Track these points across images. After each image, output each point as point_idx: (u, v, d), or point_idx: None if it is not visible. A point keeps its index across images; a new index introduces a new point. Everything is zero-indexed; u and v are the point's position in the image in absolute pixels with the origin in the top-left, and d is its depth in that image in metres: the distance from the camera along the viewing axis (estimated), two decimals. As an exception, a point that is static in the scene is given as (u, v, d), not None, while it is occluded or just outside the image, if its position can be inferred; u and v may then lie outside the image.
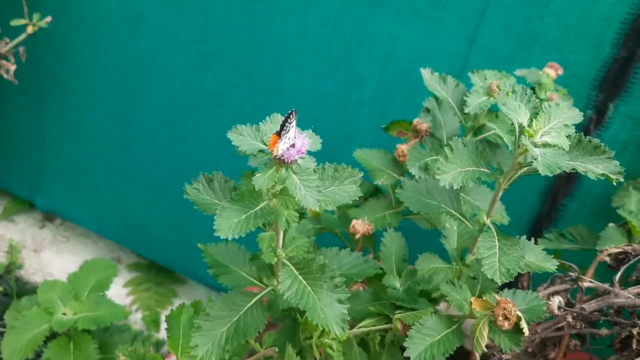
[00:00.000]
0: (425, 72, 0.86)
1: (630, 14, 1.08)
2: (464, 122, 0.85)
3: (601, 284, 0.86)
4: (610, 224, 1.05)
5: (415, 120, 0.98)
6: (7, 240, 1.96)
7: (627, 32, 1.10)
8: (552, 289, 0.87)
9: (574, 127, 0.62)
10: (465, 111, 0.79)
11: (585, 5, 1.11)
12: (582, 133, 0.63)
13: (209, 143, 1.61)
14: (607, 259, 0.94)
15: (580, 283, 0.86)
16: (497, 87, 0.80)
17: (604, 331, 0.88)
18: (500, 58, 1.21)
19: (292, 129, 0.56)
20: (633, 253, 0.86)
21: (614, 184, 0.60)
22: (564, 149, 0.60)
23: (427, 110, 0.93)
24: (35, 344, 1.14)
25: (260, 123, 0.61)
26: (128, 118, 1.70)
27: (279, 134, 0.55)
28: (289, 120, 0.55)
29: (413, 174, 0.83)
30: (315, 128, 1.47)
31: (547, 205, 1.30)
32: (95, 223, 1.95)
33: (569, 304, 0.91)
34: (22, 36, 1.49)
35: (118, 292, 1.89)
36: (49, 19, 1.49)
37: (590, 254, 1.00)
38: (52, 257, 1.96)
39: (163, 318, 1.82)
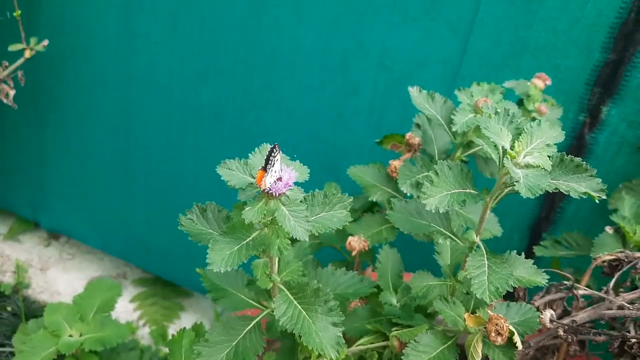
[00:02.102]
0: (413, 91, 0.87)
1: (618, 18, 1.09)
2: (453, 139, 0.86)
3: (595, 291, 0.87)
4: (607, 228, 1.06)
5: (408, 135, 1.00)
6: (13, 260, 1.98)
7: (616, 36, 1.11)
8: (547, 297, 0.88)
9: (555, 146, 0.63)
10: (453, 129, 0.80)
11: (574, 11, 1.12)
12: (563, 152, 0.64)
13: (208, 158, 1.63)
14: (604, 264, 0.95)
15: (575, 291, 0.86)
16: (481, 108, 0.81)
17: (601, 337, 0.89)
18: (491, 66, 1.22)
19: (278, 162, 0.57)
20: (626, 260, 0.87)
21: (597, 201, 0.61)
22: (546, 170, 0.61)
23: (418, 125, 0.94)
24: (44, 366, 1.15)
25: (249, 155, 0.62)
26: (127, 135, 1.71)
27: (264, 168, 0.57)
28: (272, 154, 0.57)
29: (404, 191, 0.84)
30: (313, 139, 1.49)
31: (546, 208, 1.31)
32: (99, 240, 1.97)
33: (565, 312, 0.92)
34: (21, 60, 1.50)
35: (125, 307, 1.91)
36: (46, 42, 1.51)
37: (588, 258, 1.01)
38: (58, 275, 1.98)
39: (170, 332, 1.84)
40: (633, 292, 0.82)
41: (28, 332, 1.26)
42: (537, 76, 0.93)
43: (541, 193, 0.59)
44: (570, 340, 0.74)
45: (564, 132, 1.20)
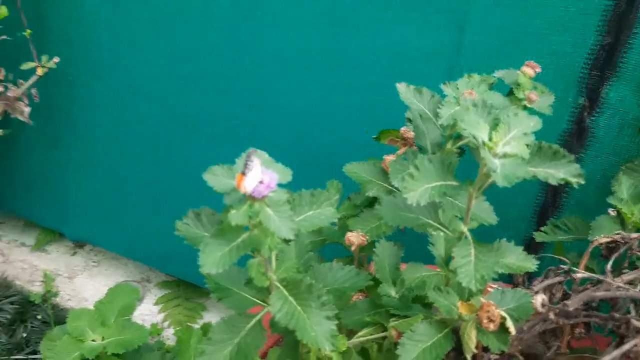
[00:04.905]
0: (401, 87, 0.89)
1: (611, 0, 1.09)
2: (442, 132, 0.88)
3: (593, 274, 0.87)
4: (610, 210, 1.06)
5: (403, 129, 1.02)
6: (41, 270, 2.06)
7: (610, 17, 1.11)
8: (546, 282, 0.89)
9: (532, 134, 0.64)
10: (439, 122, 0.82)
11: (566, -5, 1.12)
12: (541, 140, 0.65)
13: (217, 160, 1.66)
14: (602, 247, 0.95)
15: (572, 275, 0.87)
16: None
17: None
18: (487, 55, 1.23)
19: (257, 166, 0.60)
20: (623, 241, 0.88)
21: (575, 187, 0.63)
22: (523, 158, 0.62)
23: (410, 120, 0.96)
24: (69, 371, 1.21)
25: (235, 161, 0.65)
26: (145, 145, 1.75)
27: (243, 172, 0.60)
28: (249, 158, 0.59)
29: (396, 185, 0.86)
30: (305, 138, 1.49)
31: (550, 194, 1.31)
32: (122, 248, 2.02)
33: (566, 295, 0.93)
34: (33, 78, 1.56)
35: (150, 310, 1.96)
36: (56, 59, 1.57)
37: (589, 242, 1.02)
38: (85, 282, 2.04)
39: (194, 332, 1.88)
40: (628, 273, 0.83)
41: (54, 338, 1.31)
42: (526, 64, 0.94)
43: (518, 181, 0.61)
44: (561, 323, 0.75)
45: (566, 117, 1.22)
